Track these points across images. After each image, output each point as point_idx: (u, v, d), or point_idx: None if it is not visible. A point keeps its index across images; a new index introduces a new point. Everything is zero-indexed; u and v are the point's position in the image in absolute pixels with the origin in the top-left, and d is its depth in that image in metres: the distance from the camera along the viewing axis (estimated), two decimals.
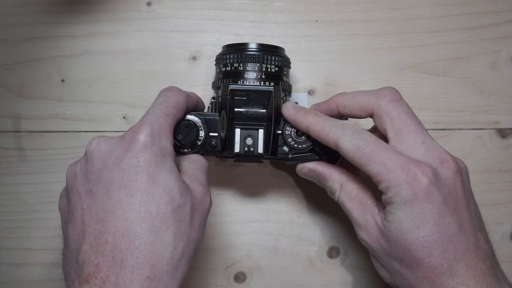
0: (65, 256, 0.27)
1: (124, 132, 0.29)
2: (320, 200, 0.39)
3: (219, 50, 0.36)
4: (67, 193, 0.29)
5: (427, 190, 0.27)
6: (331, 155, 0.33)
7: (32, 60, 0.41)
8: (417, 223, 0.27)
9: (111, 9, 0.42)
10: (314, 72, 0.41)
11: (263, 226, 0.39)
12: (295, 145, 0.32)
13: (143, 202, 0.26)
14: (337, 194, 0.32)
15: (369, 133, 0.30)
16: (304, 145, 0.32)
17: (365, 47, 0.41)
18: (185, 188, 0.28)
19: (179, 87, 0.41)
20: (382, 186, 0.29)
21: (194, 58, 0.41)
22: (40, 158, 0.40)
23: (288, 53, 0.36)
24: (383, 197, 0.29)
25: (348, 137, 0.29)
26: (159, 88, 0.40)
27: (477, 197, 0.39)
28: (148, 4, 0.42)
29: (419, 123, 0.31)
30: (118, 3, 0.42)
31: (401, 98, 0.31)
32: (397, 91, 0.32)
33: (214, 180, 0.40)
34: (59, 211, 0.29)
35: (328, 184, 0.33)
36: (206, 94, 0.41)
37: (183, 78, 0.41)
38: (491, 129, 0.40)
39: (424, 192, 0.27)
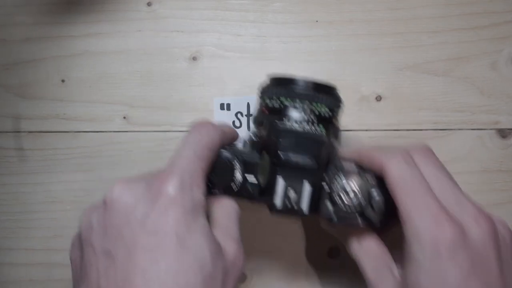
0: None
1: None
2: None
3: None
4: (80, 243, 0.25)
5: (452, 249, 0.24)
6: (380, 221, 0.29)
7: (32, 60, 0.41)
8: (437, 284, 0.24)
9: (111, 9, 0.42)
10: (314, 72, 0.41)
11: (263, 226, 0.39)
12: (342, 203, 0.28)
13: (170, 272, 0.22)
14: (353, 248, 0.30)
15: (418, 170, 0.27)
16: (352, 205, 0.27)
17: (365, 47, 0.41)
18: (218, 251, 0.24)
19: (179, 87, 0.41)
20: (405, 230, 0.26)
21: (194, 58, 0.41)
22: (40, 158, 0.40)
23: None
24: (405, 245, 0.26)
25: (396, 165, 0.26)
26: (159, 88, 0.41)
27: (477, 197, 0.39)
28: (148, 4, 0.42)
29: (451, 178, 0.28)
30: (118, 3, 0.42)
31: (434, 154, 0.29)
32: (429, 148, 0.29)
33: None
34: (70, 260, 0.26)
35: (346, 238, 0.31)
36: (206, 94, 0.41)
37: (183, 78, 0.41)
38: (491, 129, 0.40)
39: (448, 250, 0.24)
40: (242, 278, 0.39)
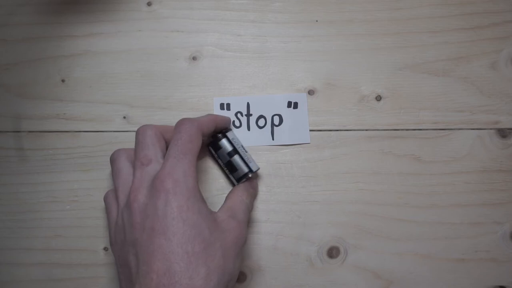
0: None
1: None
2: (320, 200, 0.40)
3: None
4: (119, 241, 0.33)
5: None
6: None
7: (32, 60, 0.41)
8: None
9: (111, 9, 0.42)
10: (314, 72, 0.41)
11: (263, 226, 0.39)
12: None
13: (180, 244, 0.30)
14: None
15: None
16: None
17: (365, 47, 0.41)
18: (215, 227, 0.32)
19: (179, 87, 0.41)
20: None
21: (194, 58, 0.41)
22: (40, 158, 0.40)
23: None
24: None
25: None
26: (159, 88, 0.41)
27: (477, 197, 0.39)
28: (148, 4, 0.42)
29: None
30: (119, 3, 0.42)
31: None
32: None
33: (214, 180, 0.40)
34: (114, 254, 0.33)
35: None
36: (206, 94, 0.41)
37: (183, 78, 0.41)
38: (491, 129, 0.40)
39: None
40: (242, 277, 0.39)
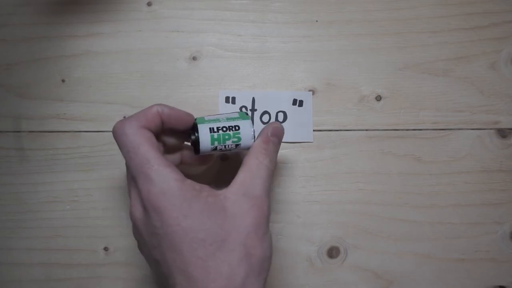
0: None
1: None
2: (320, 200, 0.40)
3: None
4: (143, 248, 0.31)
5: None
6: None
7: (32, 60, 0.41)
8: None
9: (111, 9, 0.42)
10: (314, 72, 0.41)
11: None
12: None
13: (191, 252, 0.27)
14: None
15: None
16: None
17: (365, 47, 0.41)
18: (225, 217, 0.28)
19: (179, 87, 0.41)
20: None
21: (194, 58, 0.41)
22: (41, 158, 0.40)
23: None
24: None
25: None
26: (159, 88, 0.41)
27: (477, 197, 0.39)
28: (149, 4, 0.42)
29: None
30: (119, 3, 0.42)
31: None
32: None
33: (214, 180, 0.40)
34: (143, 254, 0.32)
35: None
36: (206, 94, 0.41)
37: (183, 78, 0.41)
38: (491, 129, 0.40)
39: None
40: None
